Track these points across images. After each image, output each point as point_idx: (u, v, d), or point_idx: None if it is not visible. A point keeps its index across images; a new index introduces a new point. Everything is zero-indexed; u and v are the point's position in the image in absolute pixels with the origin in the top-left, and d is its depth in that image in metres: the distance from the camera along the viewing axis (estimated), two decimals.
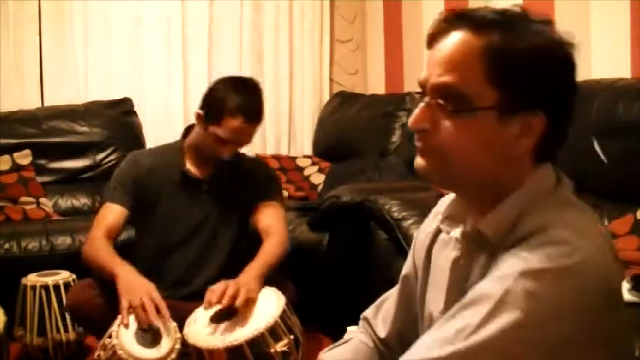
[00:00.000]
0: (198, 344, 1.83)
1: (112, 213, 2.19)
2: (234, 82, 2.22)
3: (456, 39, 0.94)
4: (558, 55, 0.95)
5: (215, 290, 1.91)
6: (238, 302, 1.88)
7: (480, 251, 1.00)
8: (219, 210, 2.27)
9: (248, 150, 2.60)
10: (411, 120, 0.98)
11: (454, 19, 0.96)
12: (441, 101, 0.94)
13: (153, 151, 2.43)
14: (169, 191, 2.26)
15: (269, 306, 1.93)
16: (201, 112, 2.19)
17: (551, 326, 0.86)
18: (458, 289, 1.02)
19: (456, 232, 1.06)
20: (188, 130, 2.34)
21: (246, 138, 2.19)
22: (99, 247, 2.11)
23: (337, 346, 1.29)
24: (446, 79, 0.94)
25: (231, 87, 2.17)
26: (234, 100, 2.12)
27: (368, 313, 1.31)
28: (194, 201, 2.26)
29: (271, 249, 2.14)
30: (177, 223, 2.25)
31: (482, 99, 0.92)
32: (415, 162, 1.01)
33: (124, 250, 2.20)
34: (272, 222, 2.23)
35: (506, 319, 0.86)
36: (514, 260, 0.89)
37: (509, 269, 0.88)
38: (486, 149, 0.95)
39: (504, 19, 0.94)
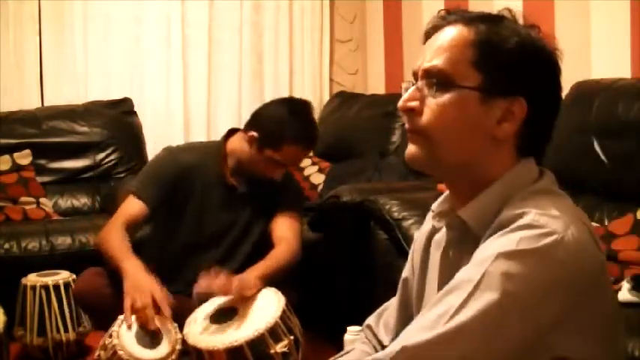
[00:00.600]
0: (198, 345, 1.83)
1: (135, 208, 2.19)
2: (292, 106, 2.23)
3: (448, 31, 1.03)
4: (540, 51, 1.02)
5: (208, 278, 1.92)
6: (233, 292, 1.90)
7: (467, 244, 1.01)
8: (248, 217, 2.29)
9: None
10: (400, 101, 1.04)
11: (448, 15, 1.05)
12: (428, 80, 1.01)
13: (193, 148, 2.41)
14: (203, 193, 2.26)
15: (269, 306, 1.93)
16: (255, 134, 2.19)
17: (530, 307, 0.89)
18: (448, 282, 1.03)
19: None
20: (230, 133, 2.33)
21: (300, 161, 2.30)
22: (114, 234, 2.11)
23: (340, 356, 1.29)
24: (435, 62, 1.01)
25: (290, 112, 2.18)
26: (294, 128, 2.15)
27: (370, 320, 1.31)
28: (226, 206, 2.27)
29: (279, 255, 2.15)
30: (206, 226, 2.26)
31: (466, 80, 0.99)
32: (406, 151, 1.06)
33: (135, 247, 2.19)
34: (286, 233, 2.24)
35: (484, 300, 0.89)
36: (492, 245, 0.93)
37: (487, 253, 0.92)
38: (469, 129, 1.00)
39: (493, 17, 1.04)
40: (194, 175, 2.25)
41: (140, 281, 1.95)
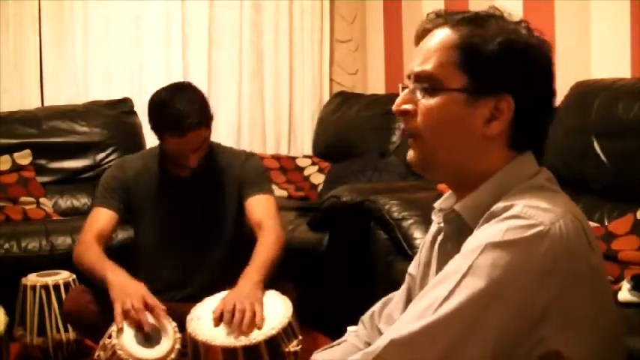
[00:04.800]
0: (213, 342, 1.81)
1: (101, 217, 2.20)
2: (164, 96, 2.16)
3: (436, 35, 1.07)
4: (524, 48, 1.03)
5: (225, 312, 1.86)
6: (254, 319, 1.84)
7: (463, 237, 1.03)
8: (208, 208, 2.26)
9: (248, 149, 2.61)
10: (395, 104, 1.08)
11: (436, 18, 1.09)
12: (419, 84, 1.05)
13: (139, 155, 2.43)
14: (155, 194, 2.26)
15: (278, 307, 1.93)
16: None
17: (516, 296, 0.91)
18: None
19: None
20: None
21: (195, 144, 2.13)
22: (88, 249, 2.12)
23: (331, 347, 1.32)
24: (425, 66, 1.05)
25: (161, 102, 2.14)
26: (165, 118, 2.10)
27: (375, 307, 1.33)
28: (180, 201, 2.25)
29: (266, 248, 2.09)
30: (167, 226, 2.25)
31: (452, 82, 1.03)
32: (407, 156, 1.10)
33: (123, 250, 2.20)
34: (263, 216, 2.18)
35: (471, 289, 0.91)
36: (479, 235, 0.96)
37: (475, 244, 0.94)
38: (458, 130, 1.04)
39: (478, 17, 1.06)
40: (143, 181, 2.27)
41: (127, 286, 1.95)
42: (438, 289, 0.94)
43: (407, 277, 1.29)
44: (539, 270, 0.91)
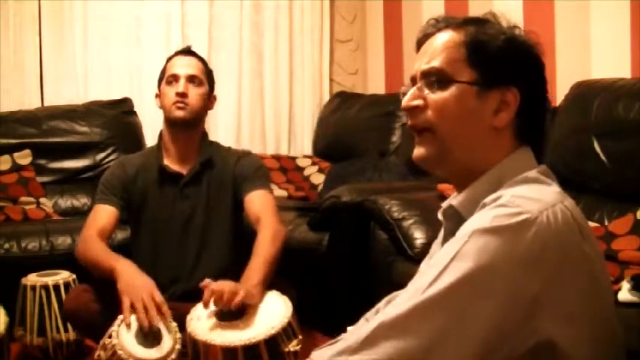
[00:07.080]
0: (212, 342, 1.81)
1: (103, 214, 2.22)
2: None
3: (440, 36, 1.12)
4: (525, 46, 1.12)
5: (215, 292, 1.87)
6: (233, 304, 1.85)
7: None
8: (206, 204, 2.27)
9: (248, 149, 2.61)
10: (404, 101, 1.12)
11: (437, 23, 1.15)
12: (428, 80, 1.10)
13: (139, 154, 2.46)
14: (153, 191, 2.28)
15: (278, 307, 1.93)
16: (157, 91, 2.35)
17: (504, 283, 0.92)
18: None
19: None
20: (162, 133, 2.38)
21: (189, 69, 2.30)
22: (92, 244, 2.12)
23: (330, 344, 1.31)
24: (433, 64, 1.10)
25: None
26: (175, 51, 2.42)
27: (380, 305, 1.34)
28: (177, 197, 2.27)
29: (265, 244, 2.08)
30: (166, 222, 2.26)
31: (462, 76, 1.09)
32: (413, 154, 1.13)
33: (123, 250, 2.20)
34: (261, 211, 2.19)
35: (458, 272, 0.93)
36: (469, 223, 0.98)
37: (464, 231, 0.97)
38: (469, 121, 1.08)
39: (478, 20, 1.13)
40: (142, 179, 2.29)
41: (136, 280, 1.94)
42: (426, 276, 0.96)
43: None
44: (526, 258, 0.92)
